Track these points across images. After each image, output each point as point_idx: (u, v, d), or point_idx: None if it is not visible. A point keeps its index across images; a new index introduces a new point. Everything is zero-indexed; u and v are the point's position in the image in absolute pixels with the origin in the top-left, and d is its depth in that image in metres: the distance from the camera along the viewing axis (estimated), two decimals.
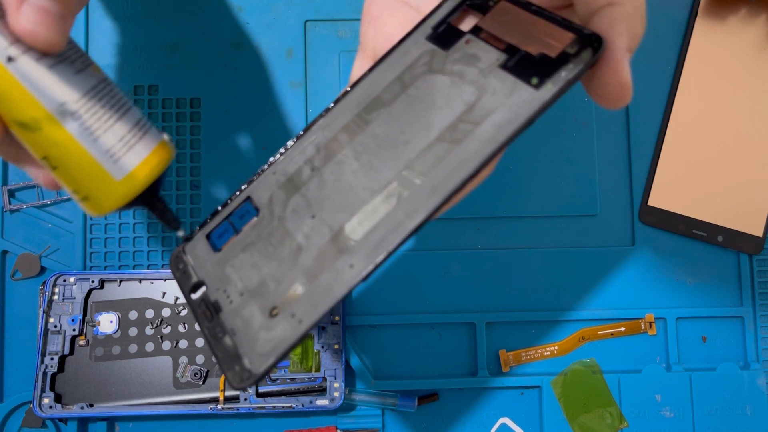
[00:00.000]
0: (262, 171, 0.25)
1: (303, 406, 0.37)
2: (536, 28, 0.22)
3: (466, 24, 0.23)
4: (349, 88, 0.24)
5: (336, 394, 0.38)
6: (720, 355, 0.40)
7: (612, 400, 0.39)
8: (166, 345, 0.38)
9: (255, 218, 0.24)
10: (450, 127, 0.22)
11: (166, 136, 0.24)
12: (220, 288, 0.23)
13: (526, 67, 0.21)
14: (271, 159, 0.25)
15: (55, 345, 0.37)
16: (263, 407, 0.37)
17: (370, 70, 0.24)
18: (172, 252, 0.25)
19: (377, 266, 0.21)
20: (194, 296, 0.23)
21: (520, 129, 0.21)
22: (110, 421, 0.39)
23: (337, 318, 0.38)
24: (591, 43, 0.20)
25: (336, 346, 0.38)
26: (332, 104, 0.24)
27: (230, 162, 0.41)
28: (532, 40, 0.22)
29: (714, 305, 0.40)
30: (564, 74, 0.20)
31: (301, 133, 0.24)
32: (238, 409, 0.37)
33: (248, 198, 0.24)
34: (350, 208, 0.22)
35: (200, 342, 0.38)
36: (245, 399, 0.37)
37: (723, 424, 0.39)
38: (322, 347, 0.38)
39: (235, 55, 0.41)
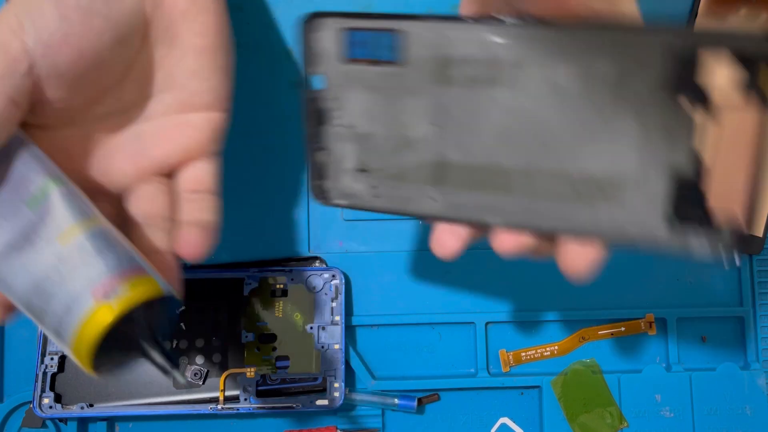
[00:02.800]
0: (428, 18, 0.21)
1: (303, 406, 0.37)
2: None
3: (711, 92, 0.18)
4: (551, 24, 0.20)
5: (336, 394, 0.38)
6: (720, 355, 0.40)
7: (612, 400, 0.39)
8: (166, 345, 0.38)
9: (395, 66, 0.21)
10: (587, 180, 0.19)
11: None
12: (335, 100, 0.22)
13: (689, 209, 0.18)
14: (450, 16, 0.21)
15: (55, 345, 0.37)
16: (263, 407, 0.37)
17: (586, 26, 0.19)
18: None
19: (444, 220, 0.21)
20: (314, 85, 0.22)
21: (622, 247, 0.19)
22: (110, 421, 0.39)
23: (337, 318, 0.38)
24: (742, 244, 0.18)
25: (336, 346, 0.38)
26: (533, 21, 0.20)
27: (230, 162, 0.41)
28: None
29: (714, 305, 0.40)
30: (699, 242, 0.18)
31: (483, 20, 0.20)
32: (238, 409, 0.37)
33: (403, 34, 0.21)
34: (470, 150, 0.20)
35: (200, 342, 0.38)
36: (245, 399, 0.37)
37: (723, 424, 0.39)
38: (322, 347, 0.38)
39: (234, 54, 0.41)
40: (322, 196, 0.22)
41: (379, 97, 0.22)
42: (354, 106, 0.22)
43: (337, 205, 0.22)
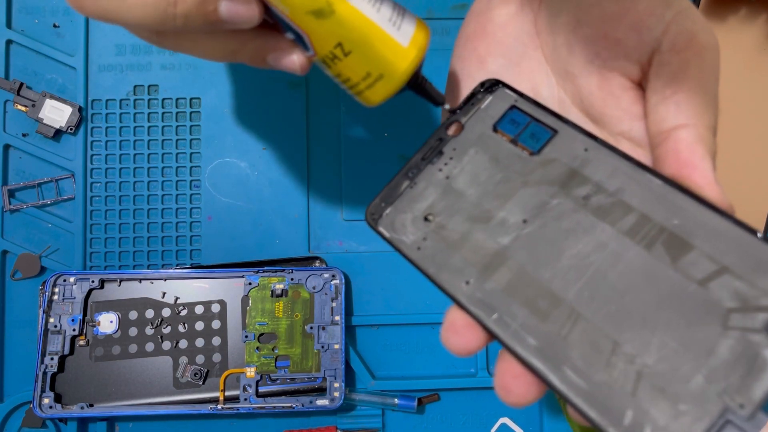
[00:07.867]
0: (582, 131, 0.21)
1: (303, 406, 0.37)
2: None
3: None
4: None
5: (336, 394, 0.38)
6: None
7: None
8: (166, 345, 0.38)
9: (527, 154, 0.22)
10: (639, 369, 0.17)
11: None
12: (455, 150, 0.23)
13: None
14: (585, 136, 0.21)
15: (55, 345, 0.37)
16: (263, 407, 0.37)
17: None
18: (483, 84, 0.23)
19: (462, 308, 0.21)
20: (446, 132, 0.23)
21: None
22: (110, 421, 0.39)
23: (337, 318, 0.38)
24: None
25: (336, 346, 0.38)
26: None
27: (230, 163, 0.41)
28: None
29: None
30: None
31: (626, 156, 0.20)
32: (238, 409, 0.37)
33: (554, 133, 0.22)
34: (539, 262, 0.20)
35: (200, 342, 0.38)
36: (245, 399, 0.37)
37: None
38: (322, 347, 0.38)
39: None
40: (373, 217, 0.22)
41: (494, 171, 0.22)
42: (466, 165, 0.22)
43: (379, 233, 0.22)
